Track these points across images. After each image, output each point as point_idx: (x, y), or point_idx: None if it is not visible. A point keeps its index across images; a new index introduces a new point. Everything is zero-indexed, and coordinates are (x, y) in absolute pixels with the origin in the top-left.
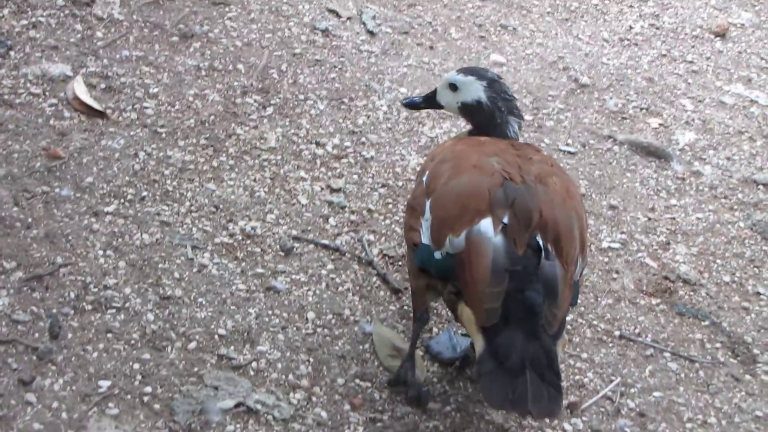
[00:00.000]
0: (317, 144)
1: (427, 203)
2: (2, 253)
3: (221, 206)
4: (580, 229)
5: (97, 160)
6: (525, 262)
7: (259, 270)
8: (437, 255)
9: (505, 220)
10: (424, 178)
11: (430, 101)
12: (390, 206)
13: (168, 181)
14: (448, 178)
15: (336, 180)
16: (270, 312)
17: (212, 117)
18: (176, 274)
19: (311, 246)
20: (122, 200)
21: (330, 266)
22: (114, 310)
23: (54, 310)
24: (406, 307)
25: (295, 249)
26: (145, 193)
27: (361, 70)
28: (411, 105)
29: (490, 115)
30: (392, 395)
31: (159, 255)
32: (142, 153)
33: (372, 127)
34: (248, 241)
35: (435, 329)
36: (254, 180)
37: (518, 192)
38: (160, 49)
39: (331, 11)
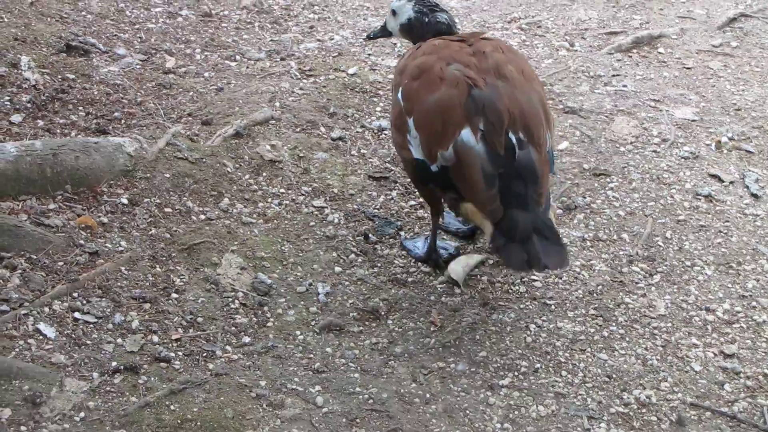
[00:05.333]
0: (707, 310)
1: (410, 121)
2: (404, 428)
3: (614, 375)
4: (542, 105)
5: (489, 334)
6: (507, 161)
7: None
8: (434, 168)
9: (481, 126)
10: (399, 96)
11: (384, 31)
12: None
13: (560, 352)
14: (422, 95)
15: (729, 345)
16: None
17: (599, 287)
18: None
19: (708, 413)
20: (516, 373)
21: None
22: None
23: None
24: None
25: (691, 416)
26: (538, 365)
27: (748, 234)
28: (370, 37)
29: (420, 26)
30: None
31: (555, 426)
32: (533, 325)
33: (762, 291)
34: (644, 410)
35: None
36: (646, 348)
37: (485, 97)
38: None
39: (713, 176)
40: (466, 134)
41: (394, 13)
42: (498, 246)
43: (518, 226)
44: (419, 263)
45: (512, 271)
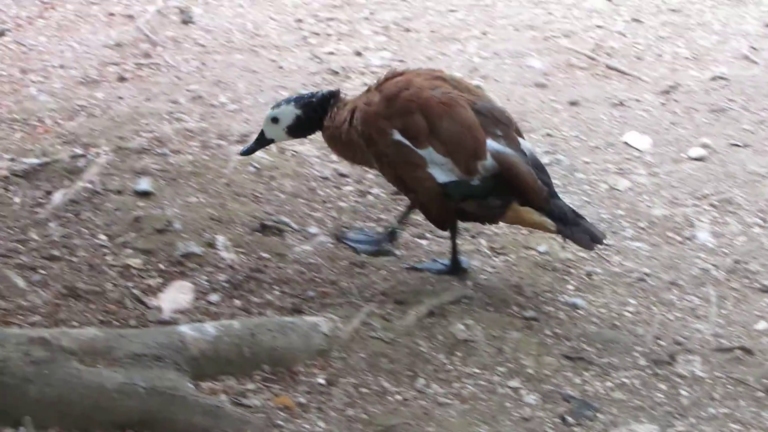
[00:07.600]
0: None
1: (428, 152)
2: None
3: None
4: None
5: None
6: (526, 159)
7: None
8: (474, 182)
9: (498, 132)
10: (396, 138)
11: (261, 142)
12: None
13: None
14: (433, 124)
15: None
16: None
17: None
18: None
19: None
20: None
21: None
22: None
23: None
24: None
25: None
26: None
27: None
28: (247, 152)
29: (312, 112)
30: None
31: None
32: None
33: None
34: None
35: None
36: None
37: (484, 107)
38: (746, 405)
39: None
40: (492, 144)
41: (275, 120)
42: (569, 233)
43: (566, 212)
44: None
45: (585, 249)
